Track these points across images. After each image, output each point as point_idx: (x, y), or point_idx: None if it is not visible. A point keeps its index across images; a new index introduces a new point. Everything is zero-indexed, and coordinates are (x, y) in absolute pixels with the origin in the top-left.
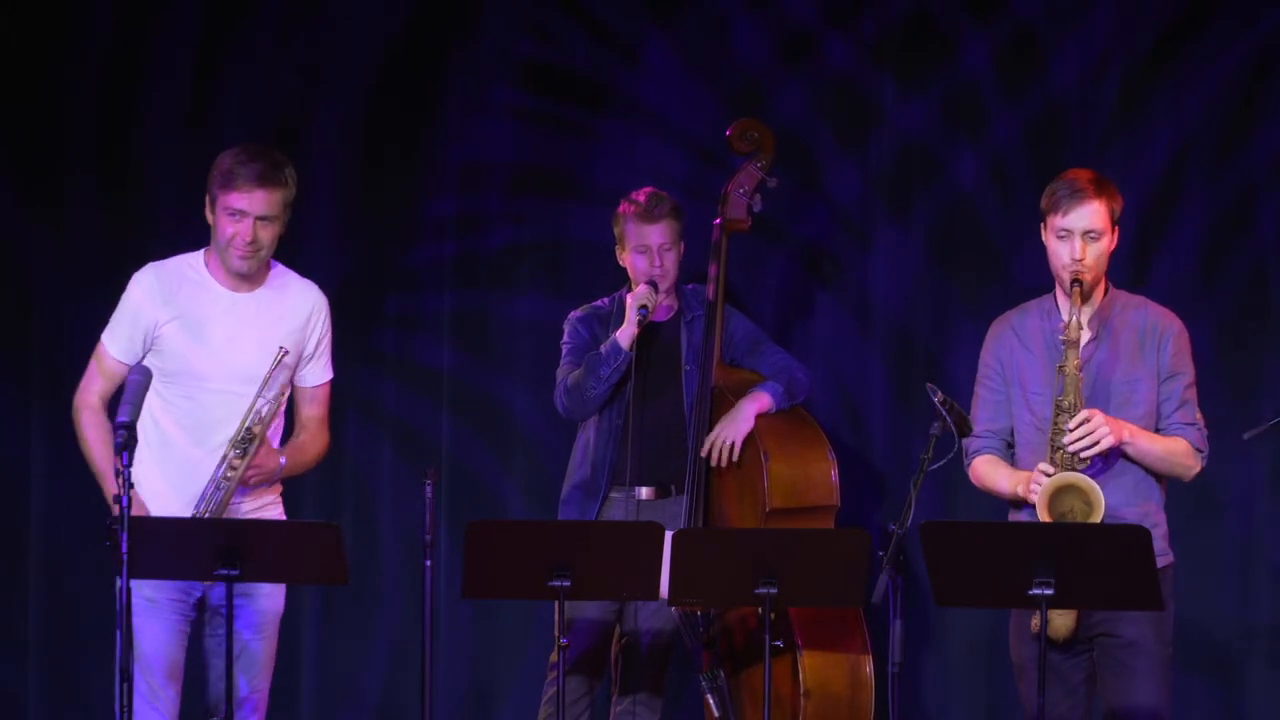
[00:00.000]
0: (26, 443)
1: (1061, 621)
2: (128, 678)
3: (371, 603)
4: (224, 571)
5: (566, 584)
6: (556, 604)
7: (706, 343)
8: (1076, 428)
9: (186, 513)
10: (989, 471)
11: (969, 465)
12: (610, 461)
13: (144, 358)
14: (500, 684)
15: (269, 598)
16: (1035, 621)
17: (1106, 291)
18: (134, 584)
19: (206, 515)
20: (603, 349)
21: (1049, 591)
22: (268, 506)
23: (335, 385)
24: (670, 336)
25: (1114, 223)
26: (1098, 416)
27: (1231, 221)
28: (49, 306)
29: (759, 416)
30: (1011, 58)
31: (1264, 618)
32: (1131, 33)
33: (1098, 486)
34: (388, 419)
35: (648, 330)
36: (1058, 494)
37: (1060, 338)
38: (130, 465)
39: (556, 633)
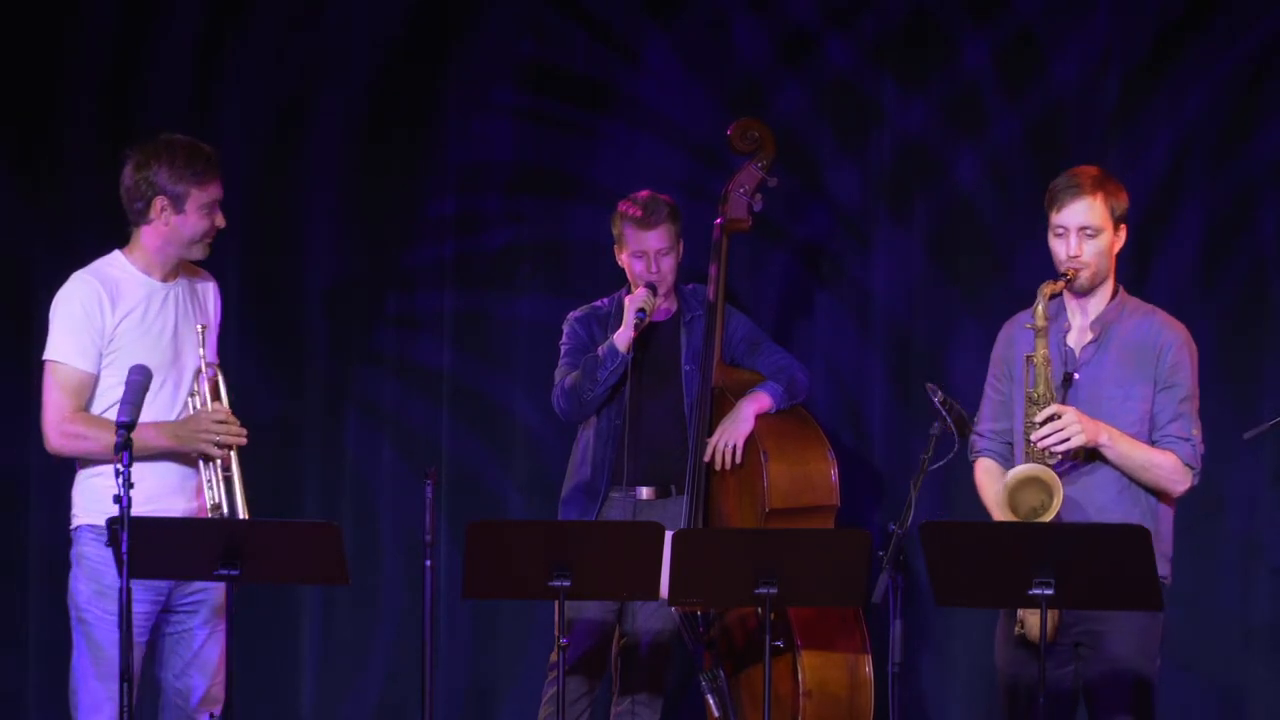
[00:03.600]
0: (26, 443)
1: (1034, 620)
2: (128, 677)
3: (371, 603)
4: (224, 571)
5: (566, 584)
6: (556, 604)
7: (707, 343)
8: (1043, 422)
9: (183, 504)
10: (984, 482)
11: (973, 463)
12: (610, 462)
13: (102, 363)
14: (500, 684)
15: (218, 590)
16: (1019, 625)
17: (1115, 295)
18: (104, 597)
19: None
20: (600, 351)
21: (1049, 591)
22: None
23: (335, 385)
24: (669, 337)
25: (1116, 220)
26: (1069, 414)
27: (1231, 221)
28: (50, 304)
29: (758, 417)
30: (1011, 58)
31: (1264, 618)
32: (1131, 33)
33: (1057, 477)
34: (388, 419)
35: (646, 330)
36: (1021, 487)
37: (1027, 325)
38: (130, 465)
39: (556, 633)
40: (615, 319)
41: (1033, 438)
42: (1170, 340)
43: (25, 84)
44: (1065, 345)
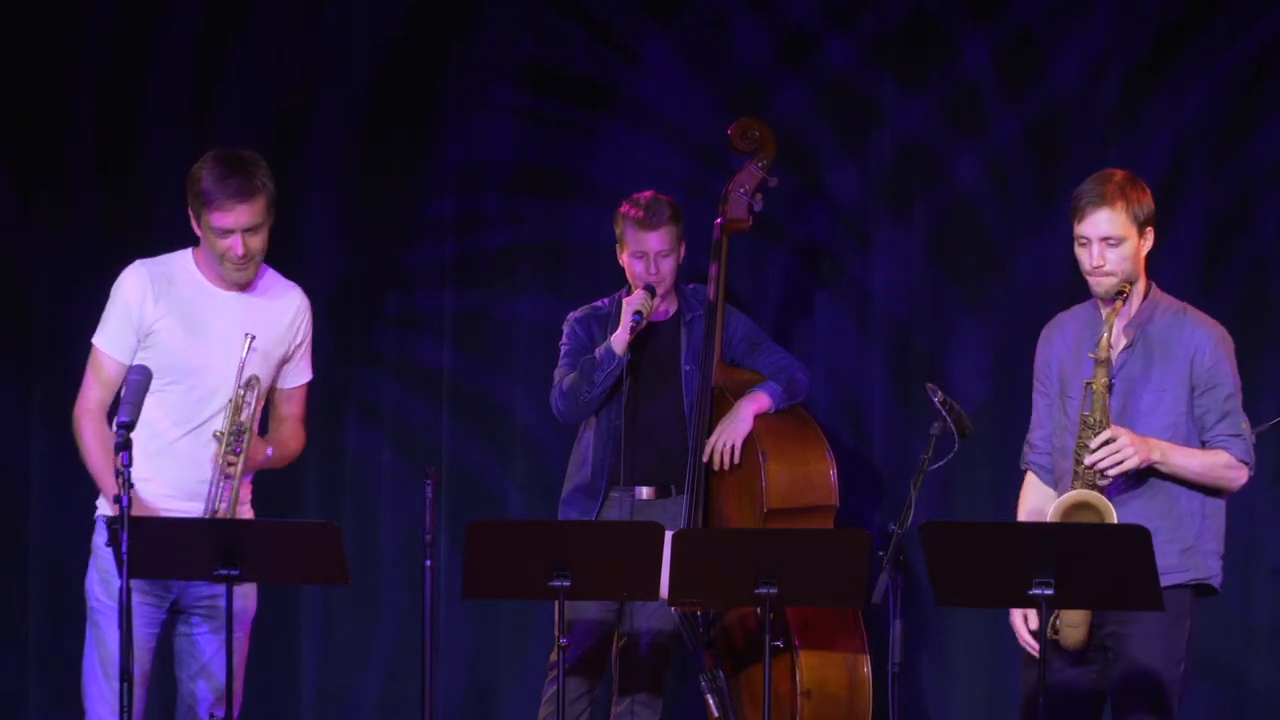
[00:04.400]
0: (26, 441)
1: (1072, 633)
2: (128, 677)
3: (371, 602)
4: (224, 571)
5: (566, 584)
6: (556, 604)
7: (707, 343)
8: (1099, 446)
9: (191, 510)
10: (1025, 497)
11: (1024, 472)
12: (609, 462)
13: (137, 354)
14: (500, 684)
15: (243, 597)
16: (1052, 630)
17: (1147, 295)
18: (108, 588)
19: (221, 515)
20: (597, 353)
21: (1049, 592)
22: (241, 510)
23: (335, 385)
24: (669, 337)
25: (1141, 224)
26: (1123, 436)
27: (1231, 221)
28: (50, 303)
29: (758, 417)
30: (1011, 58)
31: (1264, 618)
32: (1131, 33)
33: (1109, 503)
34: (388, 419)
35: (646, 331)
36: (1071, 511)
37: (1090, 354)
38: (130, 465)
39: (556, 633)
40: (615, 319)
41: (1087, 461)
42: (1202, 341)
43: (25, 84)
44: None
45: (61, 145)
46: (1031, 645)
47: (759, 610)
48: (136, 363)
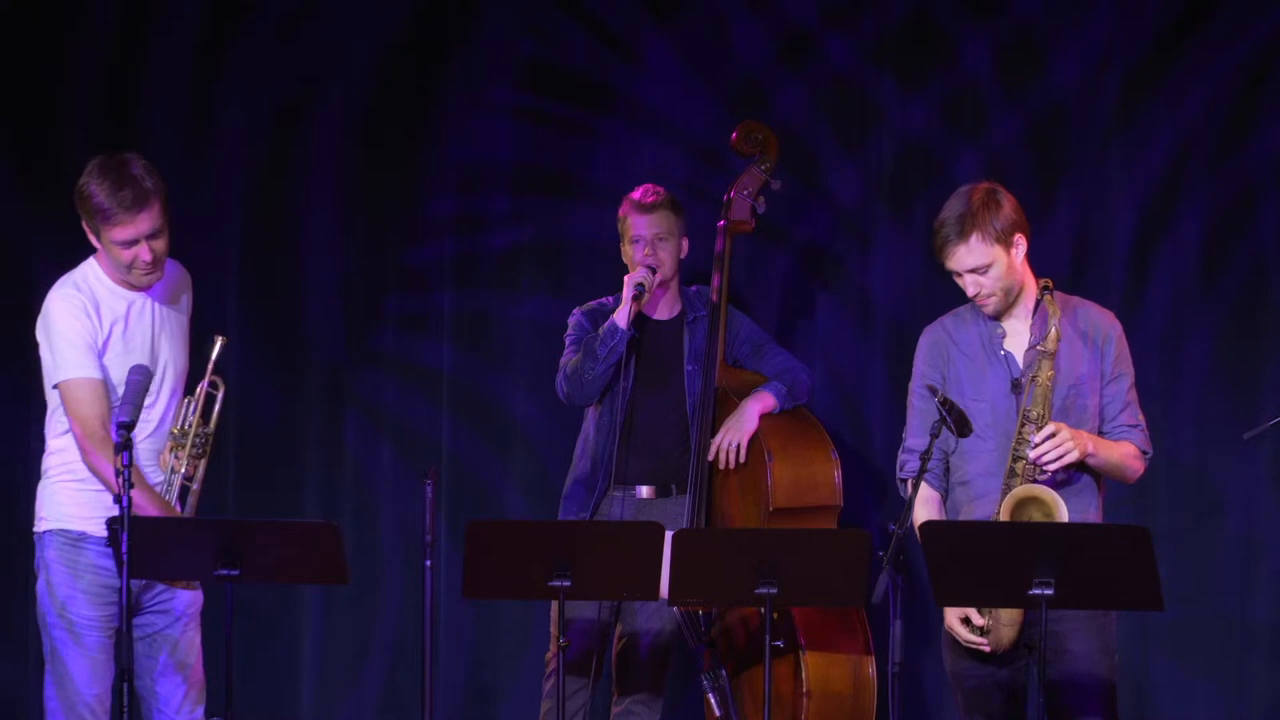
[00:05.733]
0: (27, 442)
1: (1006, 632)
2: (128, 677)
3: (371, 603)
4: (224, 571)
5: (566, 584)
6: (555, 604)
7: (710, 344)
8: (1043, 441)
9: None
10: (921, 513)
11: (905, 480)
12: (608, 458)
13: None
14: (500, 683)
15: (183, 592)
16: (984, 629)
17: (1042, 295)
18: (61, 612)
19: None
20: (601, 330)
21: (1049, 591)
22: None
23: (335, 385)
24: (672, 337)
25: (1002, 238)
26: (1064, 430)
27: (1231, 221)
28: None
29: (762, 416)
30: (1011, 58)
31: (1264, 618)
32: (1131, 33)
33: (1060, 498)
34: (388, 419)
35: (650, 330)
36: (1019, 506)
37: (1039, 347)
38: (130, 465)
39: (554, 630)
40: None
41: (1030, 455)
42: (1111, 331)
43: (25, 84)
44: (1004, 351)
45: (61, 145)
46: (973, 641)
47: (761, 610)
48: (140, 364)
